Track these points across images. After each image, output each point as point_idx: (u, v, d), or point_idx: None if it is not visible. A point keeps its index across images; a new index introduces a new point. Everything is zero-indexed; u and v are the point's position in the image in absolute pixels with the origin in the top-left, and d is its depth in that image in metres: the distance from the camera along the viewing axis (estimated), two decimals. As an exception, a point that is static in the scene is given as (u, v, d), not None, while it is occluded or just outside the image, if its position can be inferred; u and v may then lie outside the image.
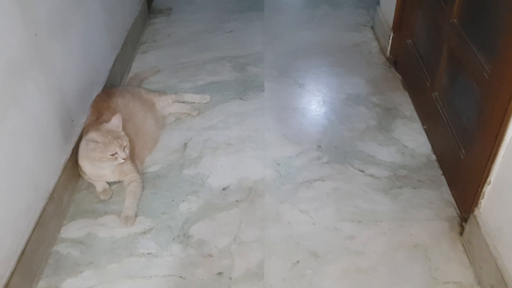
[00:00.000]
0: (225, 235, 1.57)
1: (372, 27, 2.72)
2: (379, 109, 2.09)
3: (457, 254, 1.48)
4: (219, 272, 1.45)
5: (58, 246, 1.56)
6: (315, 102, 2.18)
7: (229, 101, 2.21)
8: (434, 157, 1.83)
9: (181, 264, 1.49)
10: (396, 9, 2.27)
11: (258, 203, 1.68)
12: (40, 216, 1.51)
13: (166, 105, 2.12)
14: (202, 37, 2.76)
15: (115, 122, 1.67)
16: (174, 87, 2.31)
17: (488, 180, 1.37)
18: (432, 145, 1.87)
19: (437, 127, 1.83)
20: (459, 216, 1.59)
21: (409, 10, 2.17)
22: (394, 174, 1.76)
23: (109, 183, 1.78)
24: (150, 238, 1.58)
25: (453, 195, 1.66)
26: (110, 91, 1.98)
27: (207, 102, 2.20)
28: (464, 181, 1.56)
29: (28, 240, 1.43)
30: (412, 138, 1.92)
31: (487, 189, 1.39)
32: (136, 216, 1.65)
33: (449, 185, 1.70)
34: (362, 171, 1.78)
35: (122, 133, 1.68)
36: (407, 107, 2.09)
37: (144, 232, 1.60)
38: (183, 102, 2.18)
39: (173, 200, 1.72)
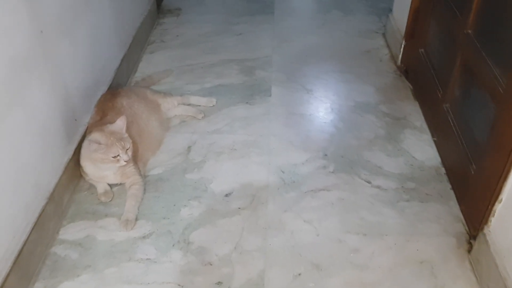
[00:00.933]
0: (226, 242, 1.54)
1: (384, 34, 2.68)
2: (388, 119, 2.05)
3: (465, 272, 1.44)
4: (219, 282, 1.42)
5: (56, 247, 1.54)
6: (322, 109, 2.14)
7: (236, 105, 2.17)
8: (443, 170, 1.78)
9: (181, 271, 1.45)
10: (409, 17, 2.23)
11: (261, 211, 1.64)
12: (40, 216, 1.48)
13: (172, 107, 2.09)
14: (211, 39, 2.73)
15: (119, 124, 1.65)
16: (181, 89, 2.28)
17: (499, 198, 1.33)
18: (441, 158, 1.83)
19: (447, 139, 1.79)
20: (468, 233, 1.54)
21: (422, 19, 2.13)
22: (402, 186, 1.72)
23: (111, 185, 1.75)
24: (150, 243, 1.55)
25: (462, 211, 1.61)
26: (115, 91, 1.96)
27: (213, 106, 2.17)
28: (474, 197, 1.52)
29: (26, 240, 1.41)
30: (421, 150, 1.88)
31: (498, 207, 1.34)
32: (136, 219, 1.62)
33: (458, 200, 1.65)
34: (369, 182, 1.74)
35: (126, 135, 1.65)
36: (417, 117, 2.05)
37: (144, 237, 1.57)
38: (189, 104, 2.15)
39: (174, 205, 1.69)
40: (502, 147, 1.31)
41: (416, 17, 2.20)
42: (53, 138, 1.62)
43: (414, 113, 2.08)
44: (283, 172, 1.80)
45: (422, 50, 2.12)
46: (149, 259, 1.50)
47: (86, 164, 1.68)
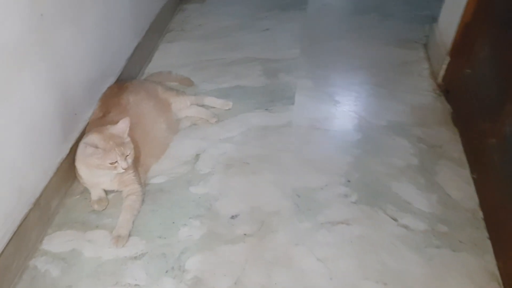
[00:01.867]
0: (226, 275, 1.35)
1: (425, 46, 2.43)
2: (423, 145, 1.82)
3: None
4: (212, 324, 1.24)
5: (37, 259, 1.37)
6: (350, 126, 1.92)
7: (253, 111, 1.97)
8: (481, 214, 1.56)
9: (170, 305, 1.28)
10: (457, 32, 1.98)
11: (269, 241, 1.45)
12: (20, 225, 1.32)
13: (184, 107, 1.90)
14: (235, 32, 2.52)
15: (121, 126, 1.46)
16: (195, 87, 2.09)
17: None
18: (480, 200, 1.60)
19: (489, 179, 1.56)
20: (505, 296, 1.33)
21: (473, 36, 1.88)
22: (432, 229, 1.51)
23: (107, 191, 1.58)
24: (141, 265, 1.37)
25: (499, 268, 1.40)
26: (123, 84, 1.78)
27: (229, 109, 1.97)
28: (517, 256, 1.30)
29: (1, 253, 1.24)
30: (458, 187, 1.65)
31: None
32: (129, 235, 1.45)
33: (495, 254, 1.43)
34: (395, 220, 1.53)
35: (127, 140, 1.47)
36: (456, 147, 1.82)
37: (135, 257, 1.40)
38: (203, 105, 1.96)
39: (173, 222, 1.51)
40: None
41: (466, 32, 1.95)
42: (45, 135, 1.44)
43: (452, 141, 1.84)
44: (298, 196, 1.60)
45: (469, 71, 1.87)
46: (138, 285, 1.32)
47: (81, 167, 1.51)
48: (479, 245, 1.47)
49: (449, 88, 2.06)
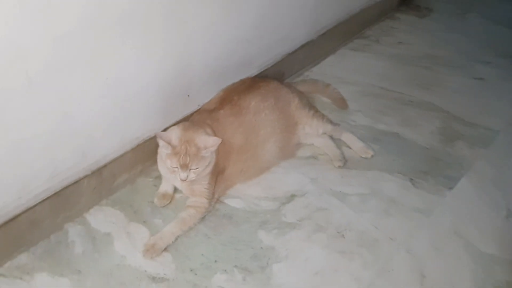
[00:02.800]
0: None
1: None
2: None
3: None
4: None
5: (74, 226, 1.30)
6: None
7: (393, 175, 1.51)
8: None
9: None
10: None
11: None
12: (67, 187, 1.24)
13: (314, 133, 1.56)
14: (437, 67, 1.98)
15: (208, 142, 1.24)
16: (343, 115, 1.71)
17: None
18: None
19: None
20: None
21: None
22: None
23: (177, 189, 1.40)
24: (155, 291, 1.18)
25: None
26: (258, 83, 1.53)
27: (366, 158, 1.56)
28: None
29: (33, 207, 1.18)
30: None
31: None
32: (164, 250, 1.25)
33: None
34: None
35: (205, 155, 1.24)
36: None
37: (154, 278, 1.20)
38: (338, 139, 1.58)
39: (215, 261, 1.25)
40: None
41: None
42: (140, 107, 1.32)
43: None
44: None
45: None
46: (135, 311, 1.14)
47: (159, 152, 1.35)
48: None
49: None
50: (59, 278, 1.18)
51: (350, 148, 1.58)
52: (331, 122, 1.60)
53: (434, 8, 2.35)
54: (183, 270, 1.23)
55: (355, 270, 1.25)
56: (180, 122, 1.37)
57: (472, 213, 1.42)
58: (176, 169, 1.22)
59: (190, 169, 1.22)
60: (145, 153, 1.41)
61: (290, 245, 1.30)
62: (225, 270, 1.23)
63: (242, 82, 1.55)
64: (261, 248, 1.29)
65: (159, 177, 1.44)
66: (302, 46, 1.78)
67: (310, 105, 1.60)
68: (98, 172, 1.30)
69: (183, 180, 1.23)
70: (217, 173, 1.36)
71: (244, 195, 1.42)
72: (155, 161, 1.45)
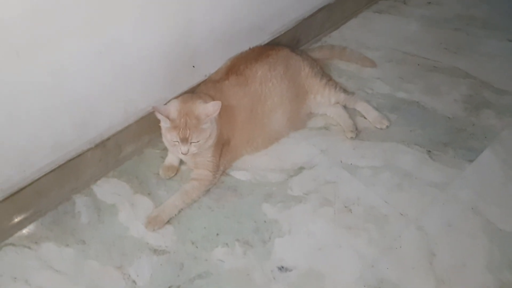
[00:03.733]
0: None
1: None
2: None
3: None
4: None
5: (81, 197, 1.32)
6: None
7: (410, 146, 1.42)
8: None
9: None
10: None
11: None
12: (72, 160, 1.26)
13: (326, 103, 1.49)
14: (472, 29, 1.82)
15: (208, 109, 1.20)
16: (361, 82, 1.61)
17: None
18: None
19: None
20: None
21: None
22: None
23: (182, 161, 1.39)
24: (153, 263, 1.19)
25: None
26: (268, 51, 1.46)
27: (381, 129, 1.47)
28: None
29: (39, 178, 1.21)
30: None
31: None
32: (166, 222, 1.26)
33: None
34: None
35: (205, 126, 1.21)
36: None
37: (155, 251, 1.21)
38: (352, 109, 1.51)
39: (217, 235, 1.24)
40: None
41: None
42: (142, 77, 1.30)
43: None
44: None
45: None
46: (134, 282, 1.15)
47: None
48: None
49: None
50: (64, 248, 1.22)
51: (365, 118, 1.50)
52: (344, 91, 1.51)
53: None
54: (184, 242, 1.23)
55: (360, 247, 1.20)
56: (185, 94, 1.35)
57: (493, 188, 1.32)
58: (177, 143, 1.20)
59: (191, 143, 1.20)
60: (151, 124, 1.39)
61: (294, 219, 1.27)
62: (226, 244, 1.22)
63: (252, 50, 1.49)
64: (265, 221, 1.27)
65: (166, 149, 1.42)
66: (320, 10, 1.68)
67: (323, 74, 1.52)
68: (102, 144, 1.30)
69: (184, 154, 1.21)
70: (222, 145, 1.33)
71: (251, 167, 1.39)
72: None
